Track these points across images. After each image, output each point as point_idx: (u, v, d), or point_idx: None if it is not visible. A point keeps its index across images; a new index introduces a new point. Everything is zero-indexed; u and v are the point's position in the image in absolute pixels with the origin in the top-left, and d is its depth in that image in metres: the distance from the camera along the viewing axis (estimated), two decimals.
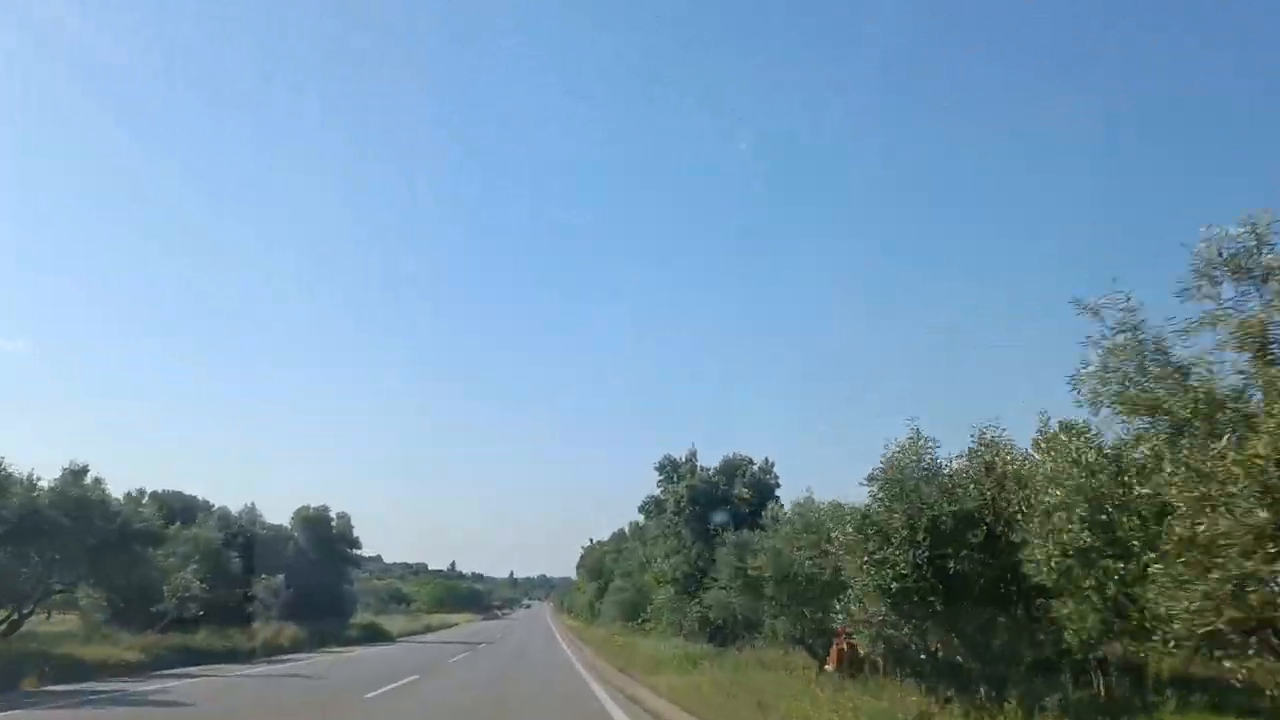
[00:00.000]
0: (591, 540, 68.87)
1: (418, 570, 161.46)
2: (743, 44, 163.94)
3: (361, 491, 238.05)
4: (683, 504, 27.08)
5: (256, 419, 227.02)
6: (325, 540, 47.73)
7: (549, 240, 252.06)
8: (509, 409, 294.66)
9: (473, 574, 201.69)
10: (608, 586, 61.21)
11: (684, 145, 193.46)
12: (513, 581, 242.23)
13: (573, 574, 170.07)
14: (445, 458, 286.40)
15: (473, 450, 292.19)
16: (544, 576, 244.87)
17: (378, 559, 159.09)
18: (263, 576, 40.49)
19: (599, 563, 62.81)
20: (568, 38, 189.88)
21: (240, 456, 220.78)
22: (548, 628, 75.94)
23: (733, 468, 28.37)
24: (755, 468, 28.53)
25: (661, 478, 30.18)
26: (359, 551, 51.17)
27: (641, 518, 49.95)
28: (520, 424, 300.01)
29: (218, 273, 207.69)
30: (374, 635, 49.00)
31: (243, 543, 42.35)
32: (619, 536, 55.56)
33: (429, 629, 67.38)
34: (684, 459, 29.54)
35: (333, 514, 48.79)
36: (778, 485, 28.32)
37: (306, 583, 44.74)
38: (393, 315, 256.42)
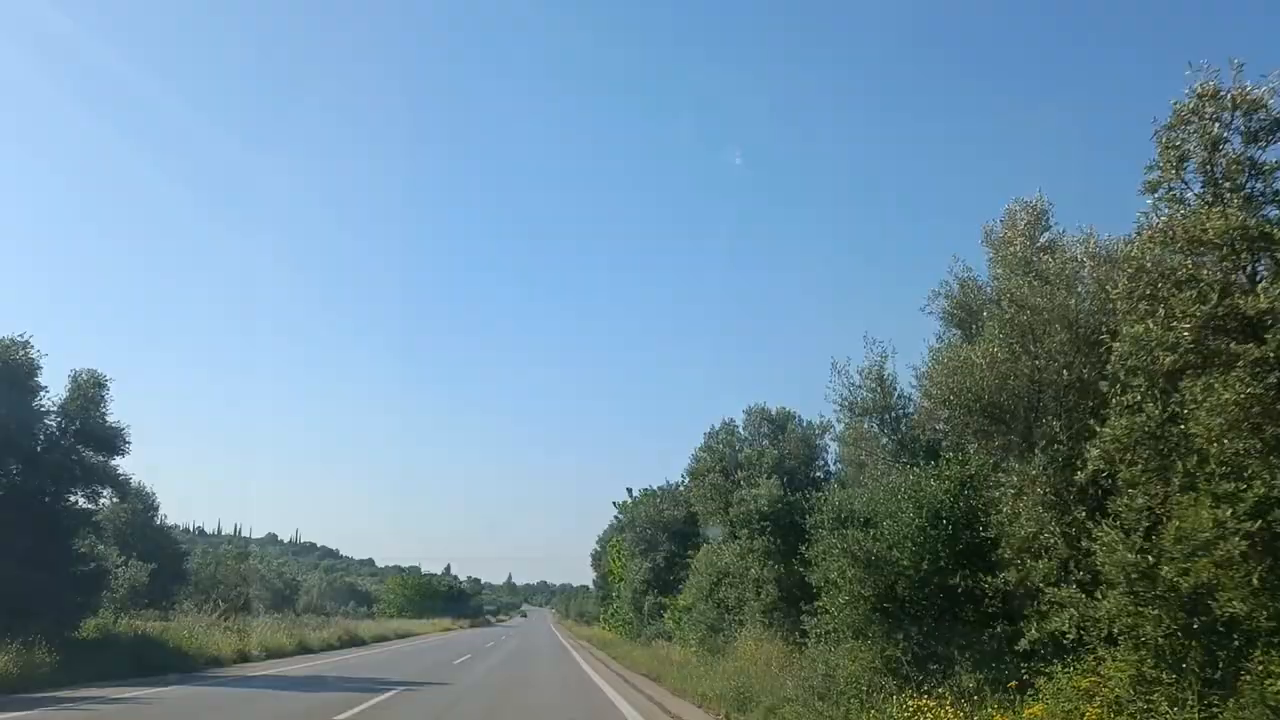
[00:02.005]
0: (631, 493, 39.71)
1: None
2: (734, 52, 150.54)
3: (358, 496, 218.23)
4: None
5: (249, 429, 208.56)
6: None
7: (551, 241, 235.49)
8: (508, 414, 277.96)
9: (469, 578, 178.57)
10: (673, 564, 32.45)
11: (676, 151, 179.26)
12: (511, 587, 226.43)
13: (574, 580, 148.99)
14: (443, 460, 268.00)
15: (470, 453, 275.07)
16: (544, 583, 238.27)
17: (369, 561, 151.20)
18: None
19: (654, 519, 34.01)
20: (564, 40, 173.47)
21: (229, 466, 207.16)
22: (556, 644, 47.54)
23: None
24: None
25: None
26: (109, 463, 21.06)
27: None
28: (520, 429, 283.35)
29: (213, 288, 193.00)
30: (147, 661, 20.06)
31: None
32: (711, 450, 24.87)
33: (356, 644, 38.66)
34: None
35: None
36: None
37: None
38: (398, 328, 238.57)
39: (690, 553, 29.92)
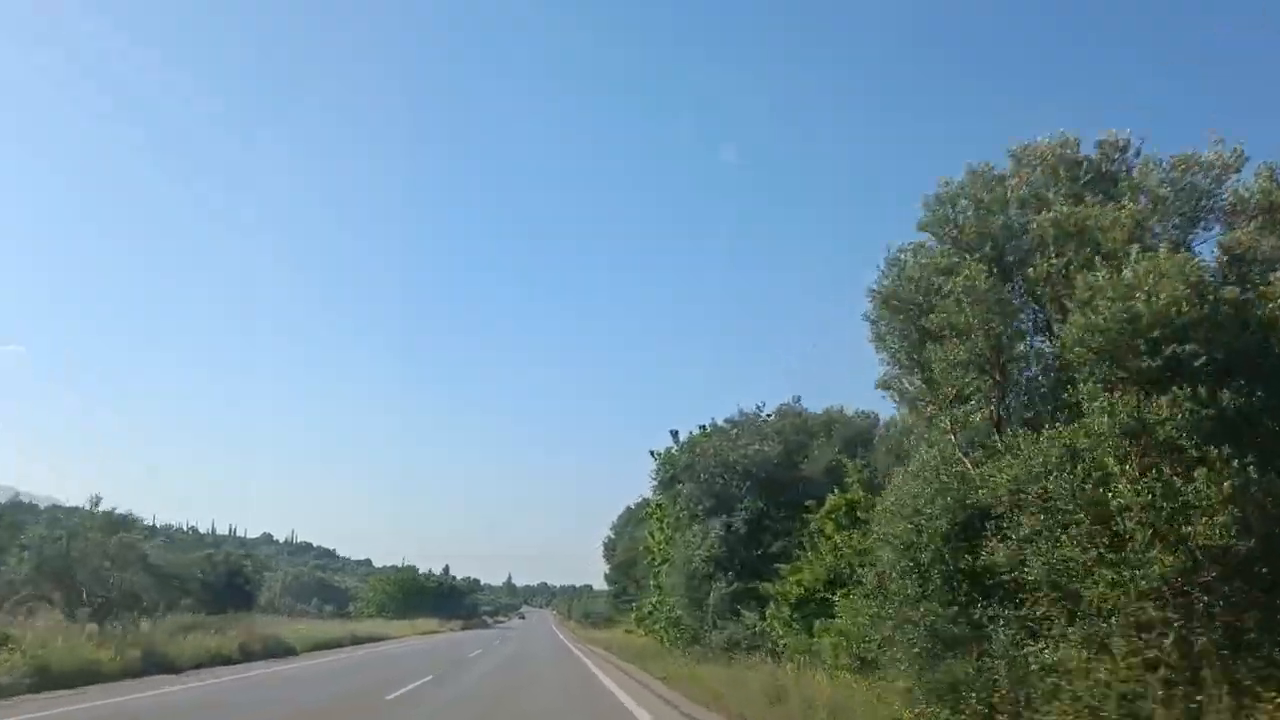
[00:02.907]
0: (676, 437, 26.99)
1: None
2: (734, 52, 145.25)
3: (357, 496, 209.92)
4: None
5: (248, 429, 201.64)
6: None
7: (551, 241, 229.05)
8: (508, 414, 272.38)
9: (468, 579, 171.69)
10: (760, 531, 20.14)
11: (676, 151, 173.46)
12: (510, 588, 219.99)
13: (577, 581, 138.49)
14: (442, 460, 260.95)
15: (470, 453, 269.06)
16: (545, 584, 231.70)
17: (367, 562, 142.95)
18: None
19: (727, 462, 21.61)
20: (564, 40, 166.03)
21: (228, 466, 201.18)
22: (566, 655, 35.52)
23: None
24: None
25: None
26: None
27: None
28: (520, 429, 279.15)
29: (214, 288, 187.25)
30: None
31: None
32: (943, 223, 12.35)
33: (277, 654, 26.49)
34: None
35: None
36: None
37: None
38: (398, 328, 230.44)
39: (805, 514, 17.63)
